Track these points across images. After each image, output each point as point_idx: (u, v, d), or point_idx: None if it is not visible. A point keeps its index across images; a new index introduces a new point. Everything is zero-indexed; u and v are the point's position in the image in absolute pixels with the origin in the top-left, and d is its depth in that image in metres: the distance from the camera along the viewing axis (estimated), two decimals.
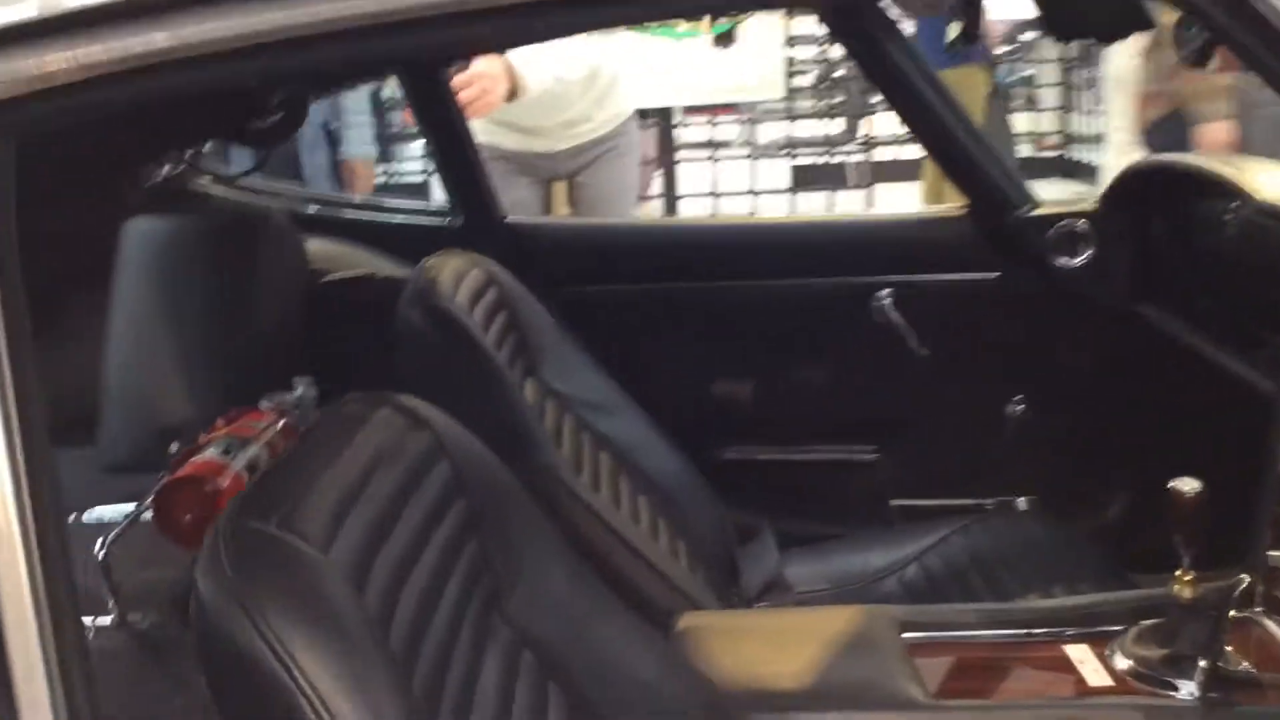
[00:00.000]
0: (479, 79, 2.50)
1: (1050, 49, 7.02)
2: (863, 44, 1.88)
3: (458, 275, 1.73)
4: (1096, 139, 6.95)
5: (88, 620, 1.41)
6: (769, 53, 5.46)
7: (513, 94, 2.64)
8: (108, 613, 1.32)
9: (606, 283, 2.15)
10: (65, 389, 1.87)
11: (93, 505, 1.70)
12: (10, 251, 0.64)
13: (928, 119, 1.93)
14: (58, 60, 0.68)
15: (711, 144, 6.66)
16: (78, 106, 0.74)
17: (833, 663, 1.40)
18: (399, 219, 2.20)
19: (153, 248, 1.76)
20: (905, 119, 2.00)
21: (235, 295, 1.79)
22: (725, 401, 2.20)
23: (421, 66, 1.97)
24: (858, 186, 6.50)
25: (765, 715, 1.27)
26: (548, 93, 2.70)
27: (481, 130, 2.91)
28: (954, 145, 1.96)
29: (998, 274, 2.05)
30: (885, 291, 2.08)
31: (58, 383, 1.96)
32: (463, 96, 2.42)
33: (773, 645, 1.47)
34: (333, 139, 3.61)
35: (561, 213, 2.95)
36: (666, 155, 6.06)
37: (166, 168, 1.99)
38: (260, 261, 1.82)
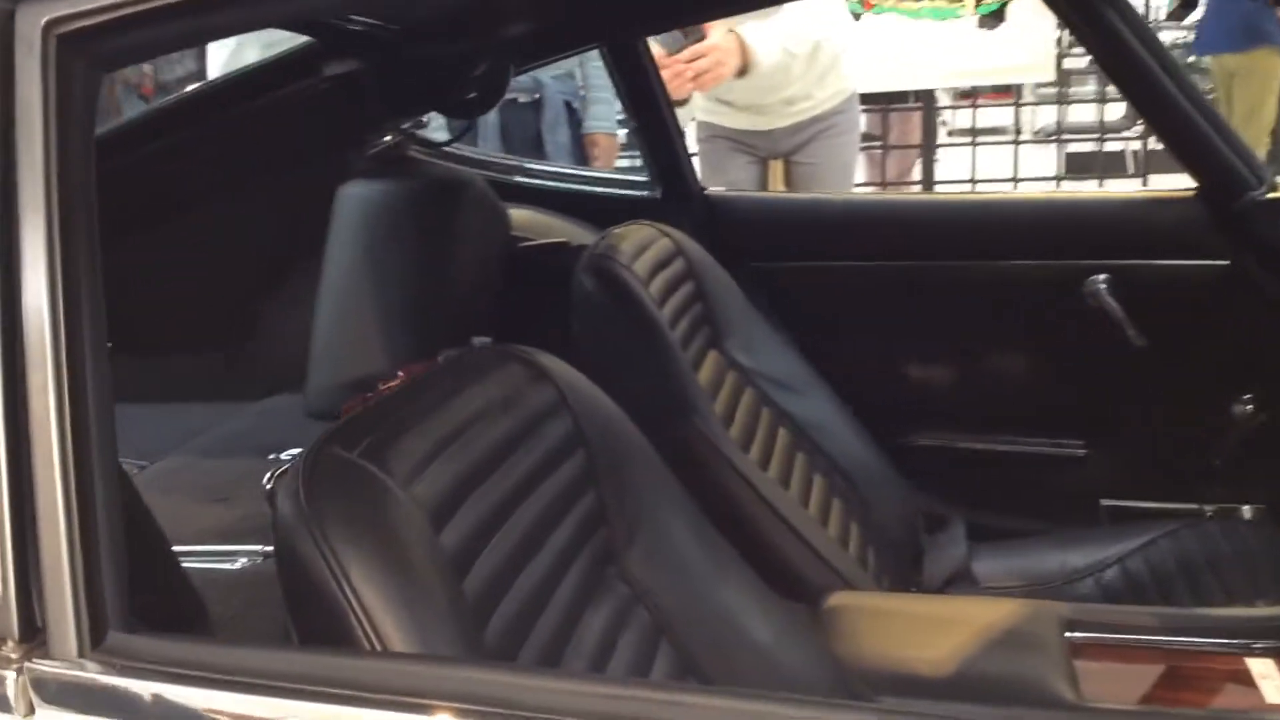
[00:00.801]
0: (713, 51, 2.48)
1: None
2: (1074, 5, 1.76)
3: (640, 243, 1.75)
4: None
5: (259, 546, 1.54)
6: (1039, 33, 5.21)
7: (744, 69, 2.62)
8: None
9: (803, 258, 2.12)
10: (293, 343, 2.02)
11: (293, 447, 1.84)
12: (88, 190, 0.70)
13: (1151, 91, 1.79)
14: None
15: (974, 130, 6.40)
16: (162, 38, 0.79)
17: (979, 654, 1.34)
18: (600, 190, 2.24)
19: (362, 210, 1.87)
20: (1124, 90, 1.86)
21: (435, 257, 1.88)
22: (921, 386, 2.13)
23: (626, 36, 2.00)
24: (1134, 175, 6.10)
25: (891, 699, 1.23)
26: (771, 68, 2.67)
27: (700, 109, 2.92)
28: (1180, 120, 1.80)
29: (1227, 261, 1.89)
30: (1101, 276, 1.95)
31: (286, 336, 2.12)
32: (695, 67, 2.42)
33: (920, 630, 1.42)
34: (575, 117, 3.71)
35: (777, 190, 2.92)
36: (929, 141, 5.88)
37: (387, 138, 2.10)
38: (460, 225, 1.90)
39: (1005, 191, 5.23)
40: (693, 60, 2.48)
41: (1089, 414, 2.05)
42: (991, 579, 1.84)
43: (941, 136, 6.32)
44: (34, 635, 0.70)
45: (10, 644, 0.70)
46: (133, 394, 2.14)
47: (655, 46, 2.35)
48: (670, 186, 2.12)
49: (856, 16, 5.12)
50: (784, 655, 1.22)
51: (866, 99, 5.69)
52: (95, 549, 0.67)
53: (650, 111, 2.06)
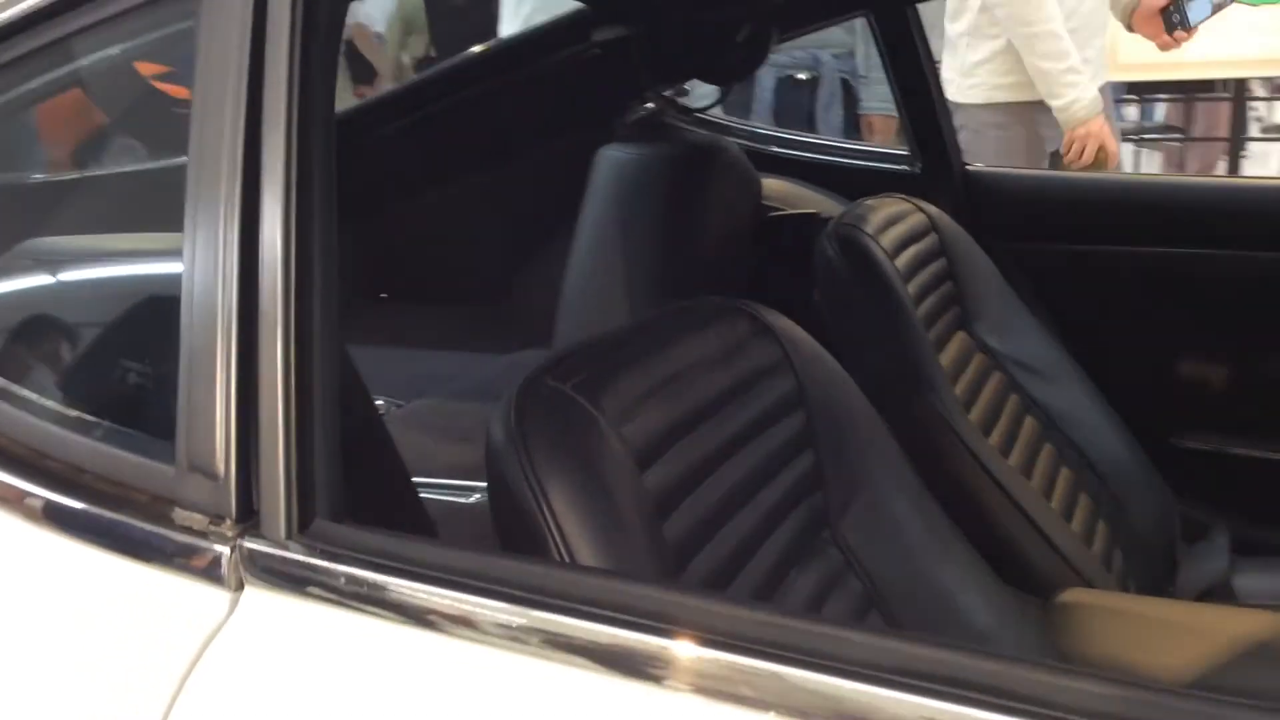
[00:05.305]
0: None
1: None
2: None
3: (890, 216, 1.72)
4: None
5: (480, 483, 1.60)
6: None
7: None
8: None
9: (1071, 241, 2.01)
10: (548, 300, 2.10)
11: None
12: (328, 98, 0.74)
13: None
14: None
15: None
16: None
17: (1223, 666, 1.24)
18: (858, 163, 2.20)
19: (617, 173, 1.92)
20: None
21: (685, 221, 1.91)
22: (1192, 385, 1.98)
23: (894, 4, 1.95)
24: None
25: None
26: None
27: None
28: None
29: None
30: None
31: (542, 294, 2.20)
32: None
33: (1158, 636, 1.33)
34: (852, 97, 3.65)
35: None
36: (1237, 134, 5.46)
37: (649, 104, 2.14)
38: (711, 192, 1.92)
39: None
40: None
41: None
42: (1253, 596, 1.69)
43: (1254, 132, 5.84)
44: (249, 516, 0.77)
45: (228, 523, 0.77)
46: (398, 339, 2.27)
47: None
48: (931, 162, 2.06)
49: None
50: (1003, 644, 1.17)
51: (1168, 87, 5.35)
52: (310, 444, 0.73)
53: (915, 83, 2.00)
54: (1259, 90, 5.84)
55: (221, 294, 0.75)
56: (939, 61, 2.72)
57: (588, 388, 0.92)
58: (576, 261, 1.92)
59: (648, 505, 0.91)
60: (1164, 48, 2.34)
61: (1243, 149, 5.51)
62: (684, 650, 0.63)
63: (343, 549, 0.72)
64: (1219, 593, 1.72)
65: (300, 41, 0.72)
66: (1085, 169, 2.56)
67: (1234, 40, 4.62)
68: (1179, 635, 1.32)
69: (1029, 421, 1.76)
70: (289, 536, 0.74)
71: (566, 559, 0.80)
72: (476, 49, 2.10)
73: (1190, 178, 4.23)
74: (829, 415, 1.18)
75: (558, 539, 0.81)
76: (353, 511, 0.76)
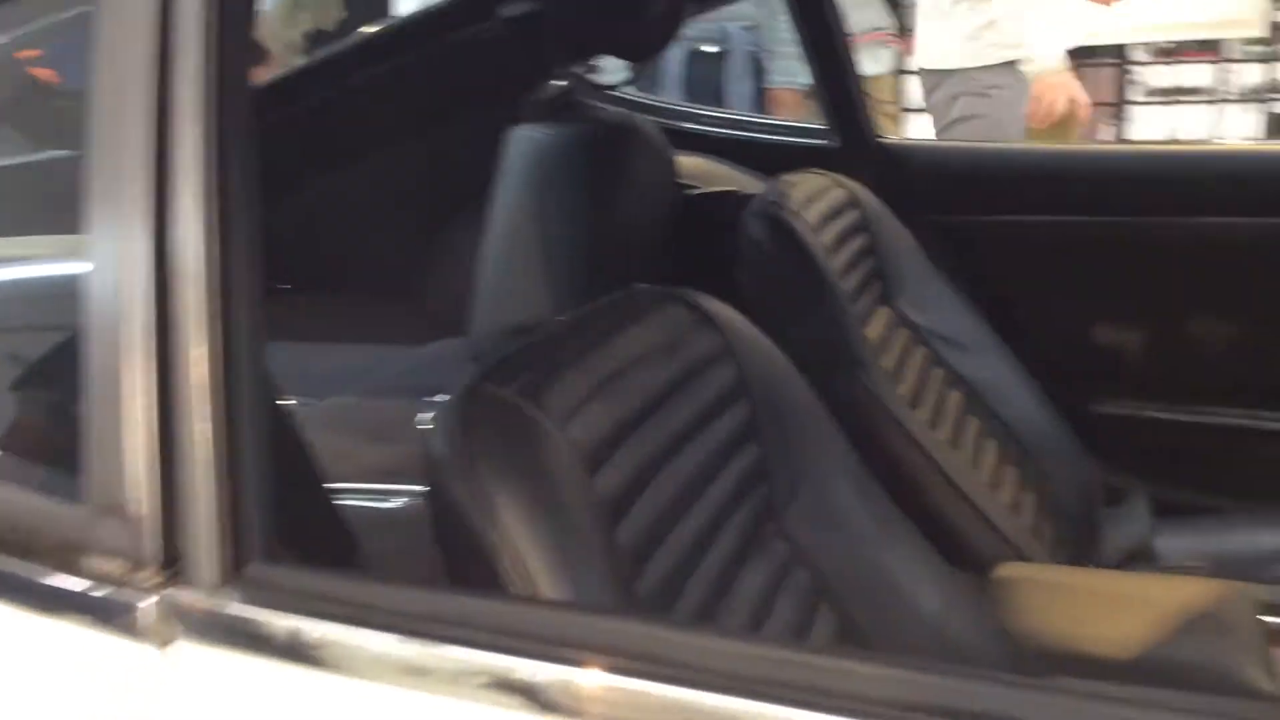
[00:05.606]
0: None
1: None
2: None
3: (812, 192, 1.69)
4: None
5: (417, 486, 1.54)
6: None
7: None
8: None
9: (988, 212, 2.01)
10: (463, 288, 2.03)
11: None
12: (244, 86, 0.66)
13: None
14: None
15: (1177, 89, 6.04)
16: None
17: (1165, 636, 1.25)
18: (774, 138, 2.17)
19: (531, 154, 1.85)
20: None
21: (602, 202, 1.85)
22: (1108, 351, 2.00)
23: None
24: None
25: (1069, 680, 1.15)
26: None
27: None
28: None
29: None
30: None
31: (458, 281, 2.13)
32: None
33: (1099, 607, 1.33)
34: (760, 69, 3.61)
35: None
36: (1120, 99, 5.60)
37: (558, 83, 2.08)
38: (628, 172, 1.87)
39: (1212, 143, 4.92)
40: None
41: None
42: (1174, 557, 1.72)
43: (1137, 96, 5.98)
44: (173, 562, 0.68)
45: (149, 570, 0.68)
46: (304, 333, 2.19)
47: None
48: (849, 136, 2.03)
49: None
50: (952, 626, 1.15)
51: None
52: (240, 475, 0.65)
53: (830, 56, 1.97)
54: (1141, 55, 5.99)
55: (131, 304, 0.66)
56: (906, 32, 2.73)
57: (531, 392, 0.88)
58: (491, 246, 1.85)
59: (600, 513, 0.86)
60: (1108, 3, 2.37)
61: (1124, 115, 5.66)
62: (672, 689, 0.59)
63: (283, 595, 0.65)
64: (1141, 555, 1.74)
65: (213, 22, 0.65)
66: (1057, 123, 2.56)
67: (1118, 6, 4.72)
68: (1116, 607, 1.32)
69: (954, 395, 1.75)
70: (221, 583, 0.66)
71: (518, 580, 0.76)
72: (374, 27, 2.02)
73: (1098, 146, 4.31)
74: (771, 404, 1.15)
75: (510, 560, 0.76)
76: (286, 547, 0.69)
